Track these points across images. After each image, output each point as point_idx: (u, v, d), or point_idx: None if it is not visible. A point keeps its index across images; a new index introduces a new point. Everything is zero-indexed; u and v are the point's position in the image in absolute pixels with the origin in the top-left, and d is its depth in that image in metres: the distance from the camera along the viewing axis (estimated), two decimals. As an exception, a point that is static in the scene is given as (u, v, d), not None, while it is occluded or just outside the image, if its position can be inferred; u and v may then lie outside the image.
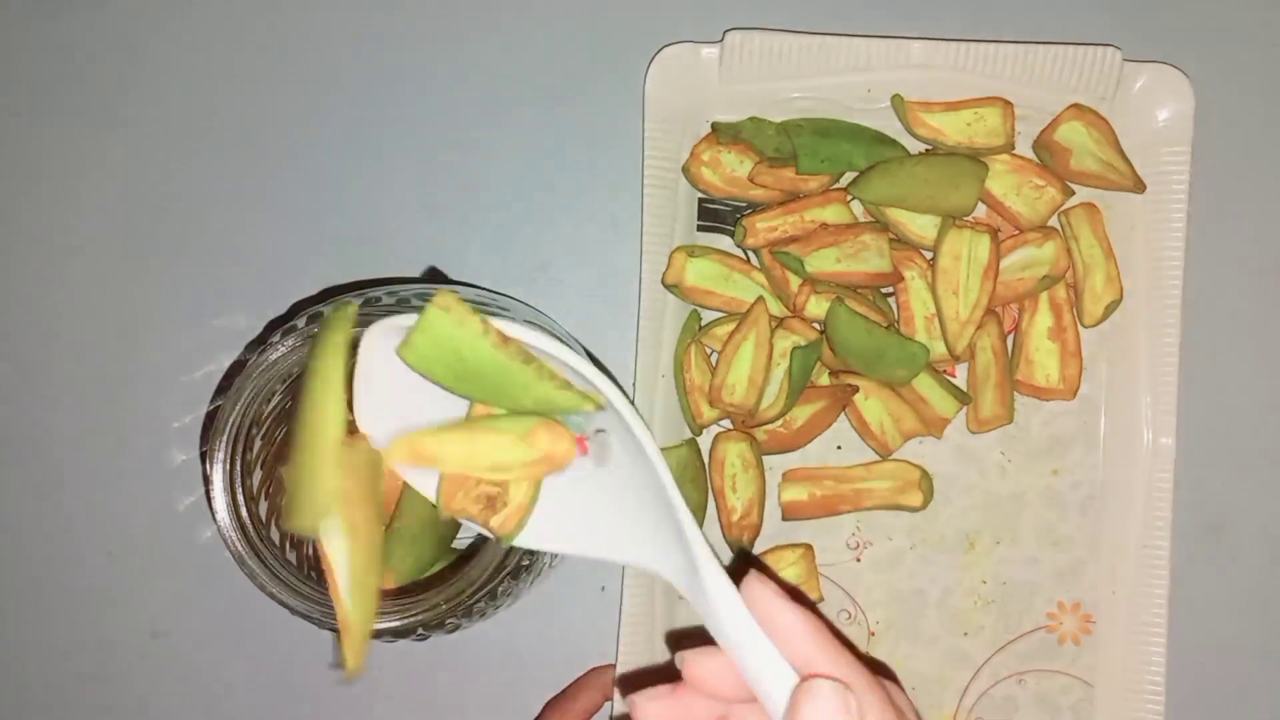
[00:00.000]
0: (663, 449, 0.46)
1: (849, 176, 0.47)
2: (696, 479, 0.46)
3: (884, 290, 0.48)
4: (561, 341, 0.30)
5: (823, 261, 0.45)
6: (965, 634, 0.48)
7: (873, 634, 0.48)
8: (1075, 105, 0.46)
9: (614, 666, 0.46)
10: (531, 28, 0.50)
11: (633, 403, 0.36)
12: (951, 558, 0.48)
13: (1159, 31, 0.49)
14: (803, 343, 0.45)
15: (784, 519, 0.47)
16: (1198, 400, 0.48)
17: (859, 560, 0.48)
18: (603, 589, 0.49)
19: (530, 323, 0.32)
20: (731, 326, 0.46)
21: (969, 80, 0.47)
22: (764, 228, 0.46)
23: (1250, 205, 0.49)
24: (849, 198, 0.47)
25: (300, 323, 0.37)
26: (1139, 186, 0.46)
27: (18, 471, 0.50)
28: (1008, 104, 0.46)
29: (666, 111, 0.47)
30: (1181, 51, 0.47)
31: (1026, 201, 0.47)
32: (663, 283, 0.46)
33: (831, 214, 0.46)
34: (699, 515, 0.47)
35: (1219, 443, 0.49)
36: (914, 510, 0.47)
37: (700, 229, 0.48)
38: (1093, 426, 0.48)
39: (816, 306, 0.45)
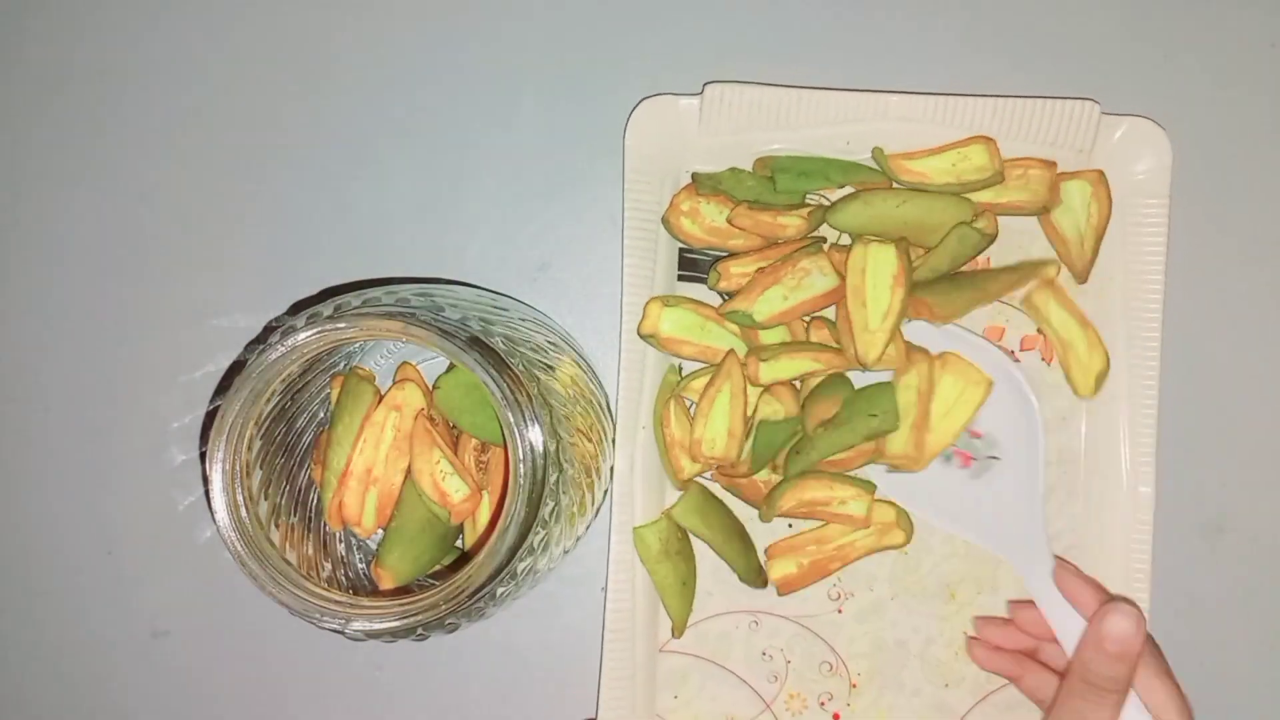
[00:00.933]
0: (641, 527, 0.46)
1: (829, 231, 0.47)
2: (682, 551, 0.46)
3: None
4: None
5: (770, 304, 0.45)
6: (946, 685, 0.48)
7: (854, 685, 0.48)
8: (1099, 171, 0.46)
9: None
10: (535, 27, 0.50)
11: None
12: (933, 607, 0.48)
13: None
14: (780, 416, 0.45)
15: (779, 595, 0.47)
16: (1197, 401, 0.48)
17: (840, 612, 0.48)
18: (602, 590, 0.49)
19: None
20: (708, 379, 0.46)
21: (947, 133, 0.46)
22: (738, 272, 0.46)
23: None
24: (827, 245, 0.46)
25: (299, 323, 0.37)
26: (1082, 276, 0.46)
27: (18, 471, 0.50)
28: (990, 140, 0.46)
29: (646, 163, 0.46)
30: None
31: (1020, 188, 0.46)
32: (638, 333, 0.46)
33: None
34: (689, 587, 0.47)
35: (1218, 444, 0.49)
36: (899, 548, 0.47)
37: (681, 279, 0.48)
38: (1073, 476, 0.48)
39: (770, 372, 0.45)
